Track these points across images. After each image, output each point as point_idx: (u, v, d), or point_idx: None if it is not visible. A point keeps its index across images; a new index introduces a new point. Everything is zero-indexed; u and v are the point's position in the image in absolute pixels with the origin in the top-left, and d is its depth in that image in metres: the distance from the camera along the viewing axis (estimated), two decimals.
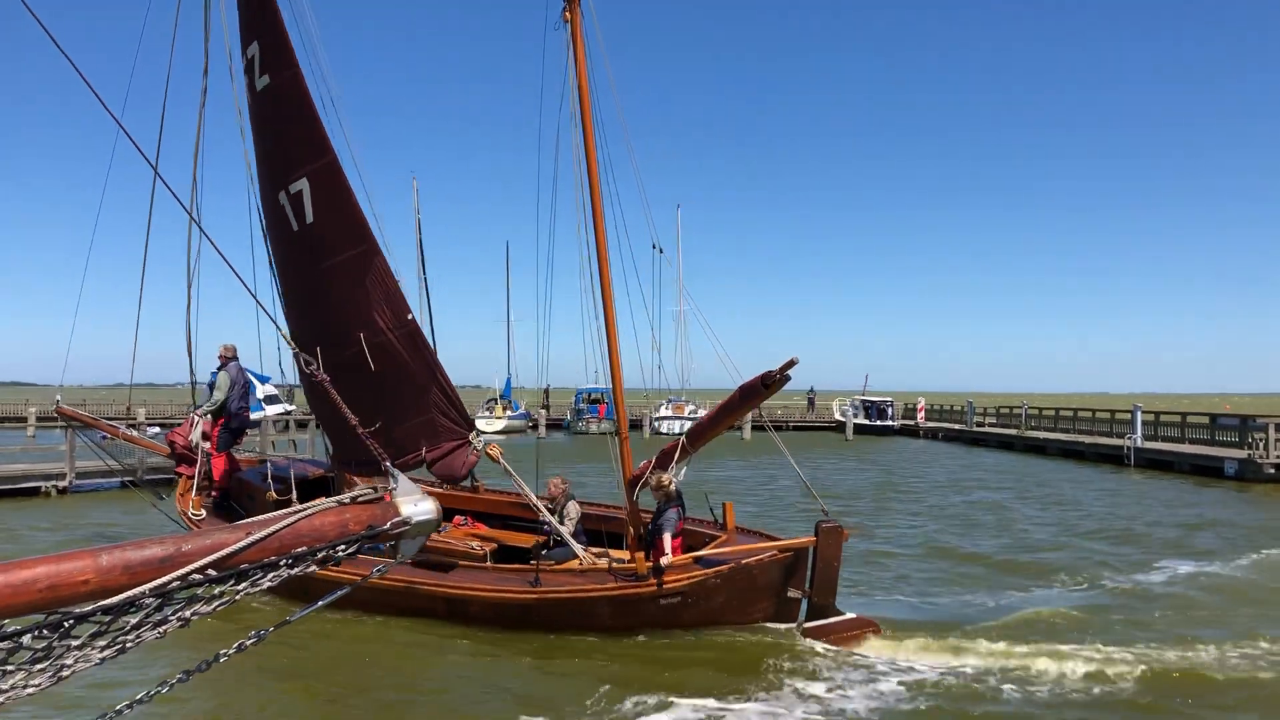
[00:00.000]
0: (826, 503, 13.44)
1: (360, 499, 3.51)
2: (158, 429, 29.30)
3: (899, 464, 42.56)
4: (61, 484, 26.42)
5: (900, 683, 10.57)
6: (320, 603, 3.72)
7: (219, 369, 16.88)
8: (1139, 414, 41.29)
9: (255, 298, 5.72)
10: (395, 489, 3.58)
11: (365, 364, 13.76)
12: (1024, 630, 12.77)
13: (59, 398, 20.38)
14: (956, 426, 60.68)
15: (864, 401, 67.41)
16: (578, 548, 13.19)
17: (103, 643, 2.94)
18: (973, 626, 12.92)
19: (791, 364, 11.18)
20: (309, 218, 13.81)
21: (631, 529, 13.61)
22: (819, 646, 11.80)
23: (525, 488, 14.30)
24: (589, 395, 65.21)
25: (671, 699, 10.04)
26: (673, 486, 13.02)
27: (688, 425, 60.85)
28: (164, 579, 2.99)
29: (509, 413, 65.17)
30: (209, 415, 16.76)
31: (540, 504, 14.04)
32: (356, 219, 13.67)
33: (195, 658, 3.40)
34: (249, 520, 3.29)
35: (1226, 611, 14.07)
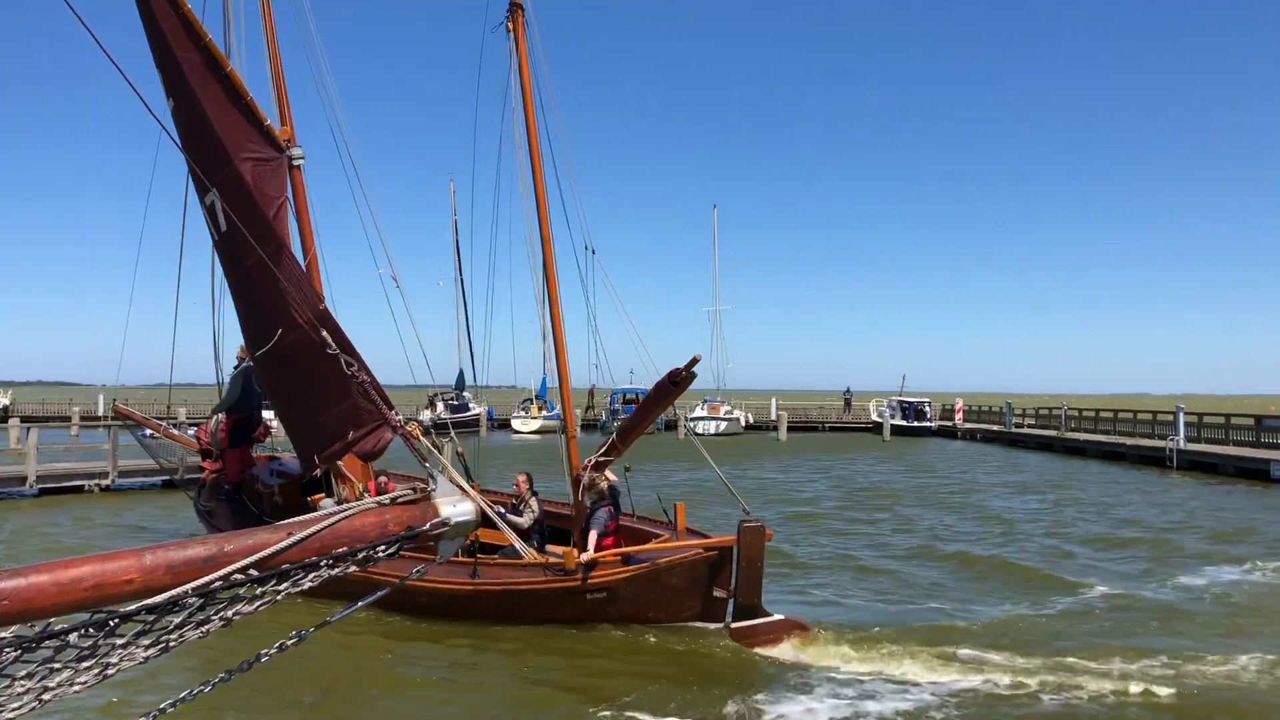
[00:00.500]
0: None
1: (400, 500, 3.51)
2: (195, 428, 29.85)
3: (938, 465, 42.20)
4: (104, 482, 26.83)
5: (829, 690, 10.47)
6: (360, 603, 3.73)
7: (235, 370, 17.59)
8: (1181, 415, 40.65)
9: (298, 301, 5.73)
10: (435, 490, 3.58)
11: (290, 357, 14.30)
12: (1000, 638, 12.62)
13: (114, 399, 21.15)
14: (995, 427, 60.13)
15: (901, 402, 66.91)
16: (516, 541, 13.06)
17: (147, 641, 2.96)
18: (948, 632, 12.84)
19: (695, 361, 11.38)
20: (222, 225, 14.63)
21: (576, 528, 13.89)
22: (734, 646, 11.95)
23: (454, 473, 14.28)
24: (625, 396, 65.22)
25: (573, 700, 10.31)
26: (605, 485, 13.30)
27: (723, 425, 61.14)
28: (206, 579, 3.00)
29: (544, 413, 65.29)
30: (222, 413, 17.79)
31: (489, 503, 14.07)
32: (263, 221, 14.07)
33: (235, 658, 3.43)
34: (290, 520, 3.31)
35: (1270, 622, 13.71)
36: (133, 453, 27.46)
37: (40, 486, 25.90)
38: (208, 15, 15.41)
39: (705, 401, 65.73)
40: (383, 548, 3.35)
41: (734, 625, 12.24)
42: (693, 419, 62.39)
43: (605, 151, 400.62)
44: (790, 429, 62.04)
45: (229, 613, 3.08)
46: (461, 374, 66.34)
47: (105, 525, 21.74)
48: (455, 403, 63.90)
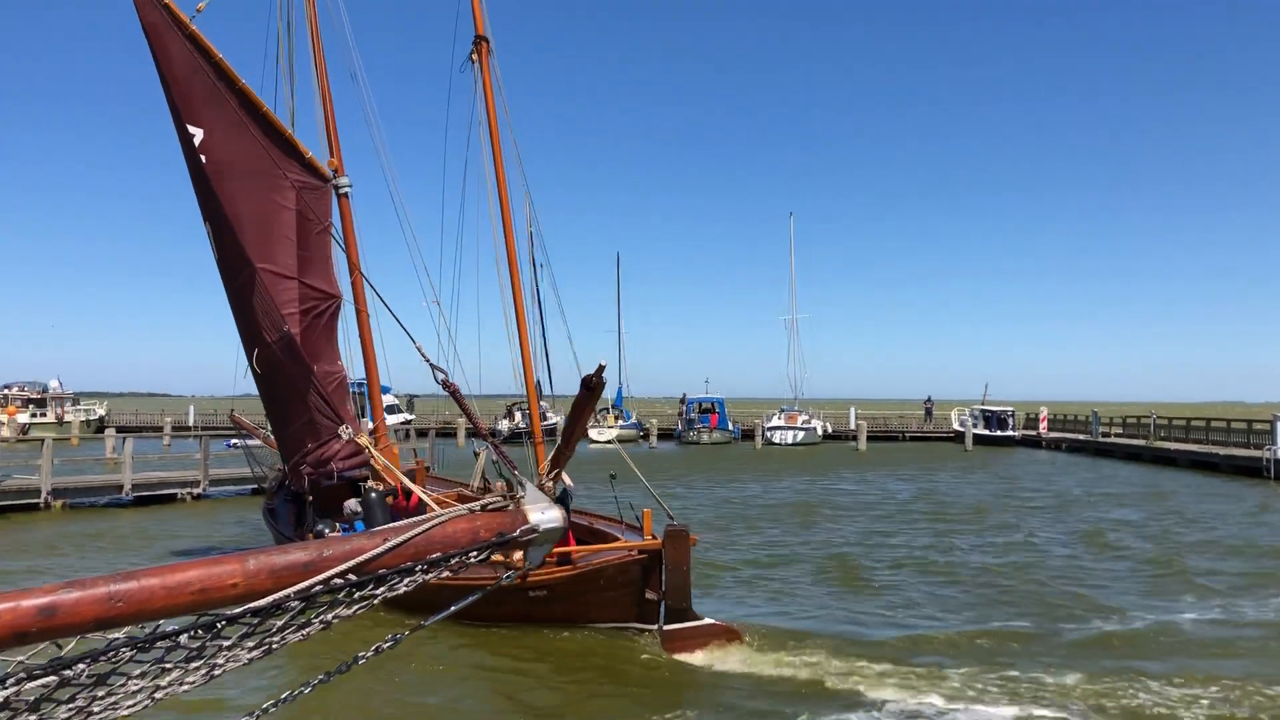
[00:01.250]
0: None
1: (490, 506, 3.58)
2: None
3: (1021, 474, 41.33)
4: (196, 490, 27.60)
5: (742, 696, 10.68)
6: (454, 607, 3.80)
7: None
8: (1279, 424, 39.25)
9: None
10: (524, 497, 3.64)
11: (270, 371, 15.86)
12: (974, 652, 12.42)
13: (226, 409, 22.20)
14: (1080, 437, 58.74)
15: (984, 411, 65.69)
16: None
17: (251, 643, 3.06)
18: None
19: (601, 369, 11.41)
20: (214, 252, 16.38)
21: None
22: (656, 649, 12.26)
23: (403, 478, 14.99)
24: (700, 405, 65.20)
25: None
26: (555, 488, 13.66)
27: (800, 435, 60.70)
28: (307, 583, 3.09)
29: (620, 422, 65.51)
30: None
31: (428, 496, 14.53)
32: (238, 247, 15.43)
33: (330, 661, 3.52)
34: (386, 526, 3.39)
35: None
36: (221, 462, 28.28)
37: (136, 495, 26.78)
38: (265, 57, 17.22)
39: (782, 411, 65.31)
40: (474, 554, 3.42)
41: (665, 628, 12.40)
42: (770, 428, 62.08)
43: (675, 154, 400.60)
44: (870, 438, 61.31)
45: (329, 615, 3.17)
46: (539, 384, 66.78)
47: (198, 531, 22.41)
48: None
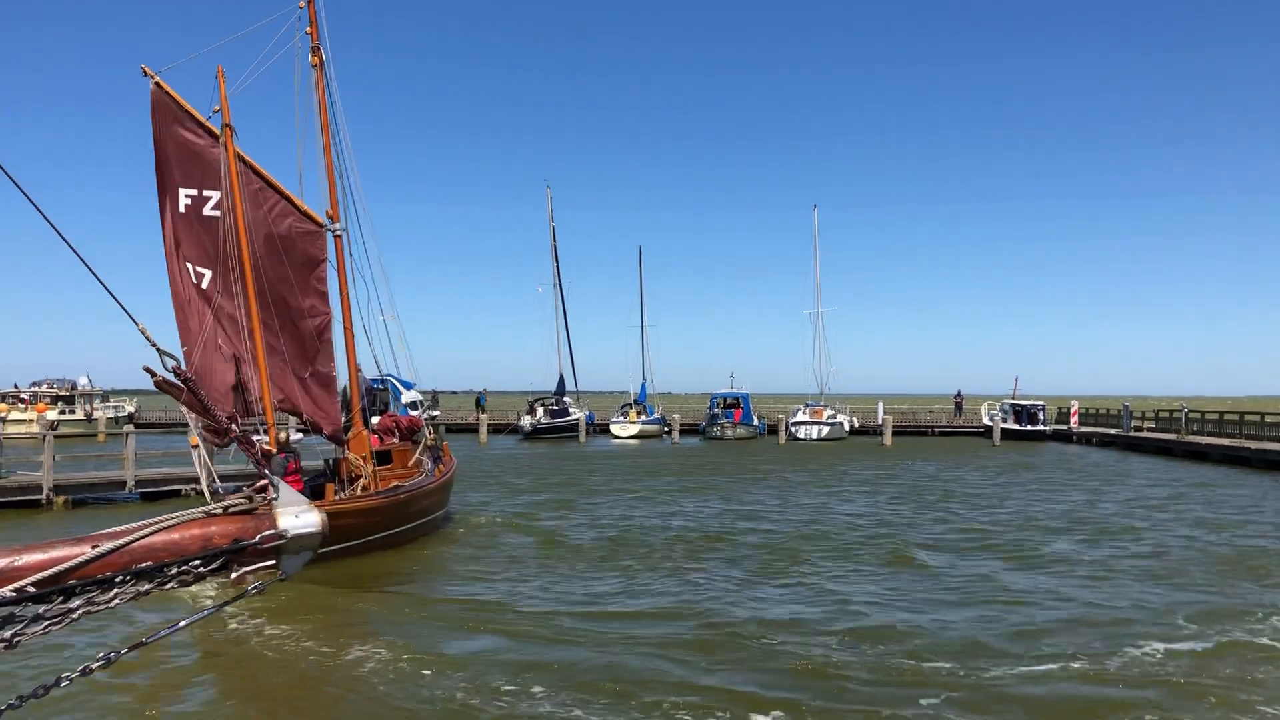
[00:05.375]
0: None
1: (233, 509, 3.23)
2: None
3: (1040, 465, 40.43)
4: (200, 485, 27.49)
5: None
6: (182, 623, 3.45)
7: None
8: None
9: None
10: (277, 499, 3.28)
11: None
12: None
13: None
14: (1111, 431, 57.60)
15: (1014, 405, 64.60)
16: None
17: None
18: None
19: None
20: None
21: None
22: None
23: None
24: (724, 400, 64.63)
25: None
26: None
27: (825, 430, 60.00)
28: None
29: (643, 418, 65.10)
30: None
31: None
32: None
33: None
34: (101, 532, 3.04)
35: None
36: (226, 457, 28.12)
37: (140, 490, 26.79)
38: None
39: (807, 406, 64.61)
40: (199, 563, 3.06)
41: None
42: (794, 423, 61.42)
43: (706, 145, 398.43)
44: (897, 433, 60.46)
45: (6, 633, 2.82)
46: (562, 379, 66.65)
47: None
48: (555, 408, 64.16)
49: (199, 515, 3.17)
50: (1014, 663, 11.54)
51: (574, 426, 61.90)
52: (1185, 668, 11.34)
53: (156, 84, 18.74)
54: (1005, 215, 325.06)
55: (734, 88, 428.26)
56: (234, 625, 13.23)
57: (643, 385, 71.53)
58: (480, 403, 67.95)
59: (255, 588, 3.44)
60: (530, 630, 13.10)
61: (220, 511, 3.21)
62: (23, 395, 62.34)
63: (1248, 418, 46.95)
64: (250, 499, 3.30)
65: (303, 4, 20.39)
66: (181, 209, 18.90)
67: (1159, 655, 11.86)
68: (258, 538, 3.15)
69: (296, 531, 3.23)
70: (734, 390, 65.69)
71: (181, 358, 18.63)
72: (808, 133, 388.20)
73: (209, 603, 14.53)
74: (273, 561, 3.22)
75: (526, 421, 62.79)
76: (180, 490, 27.40)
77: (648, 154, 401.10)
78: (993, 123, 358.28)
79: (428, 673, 11.15)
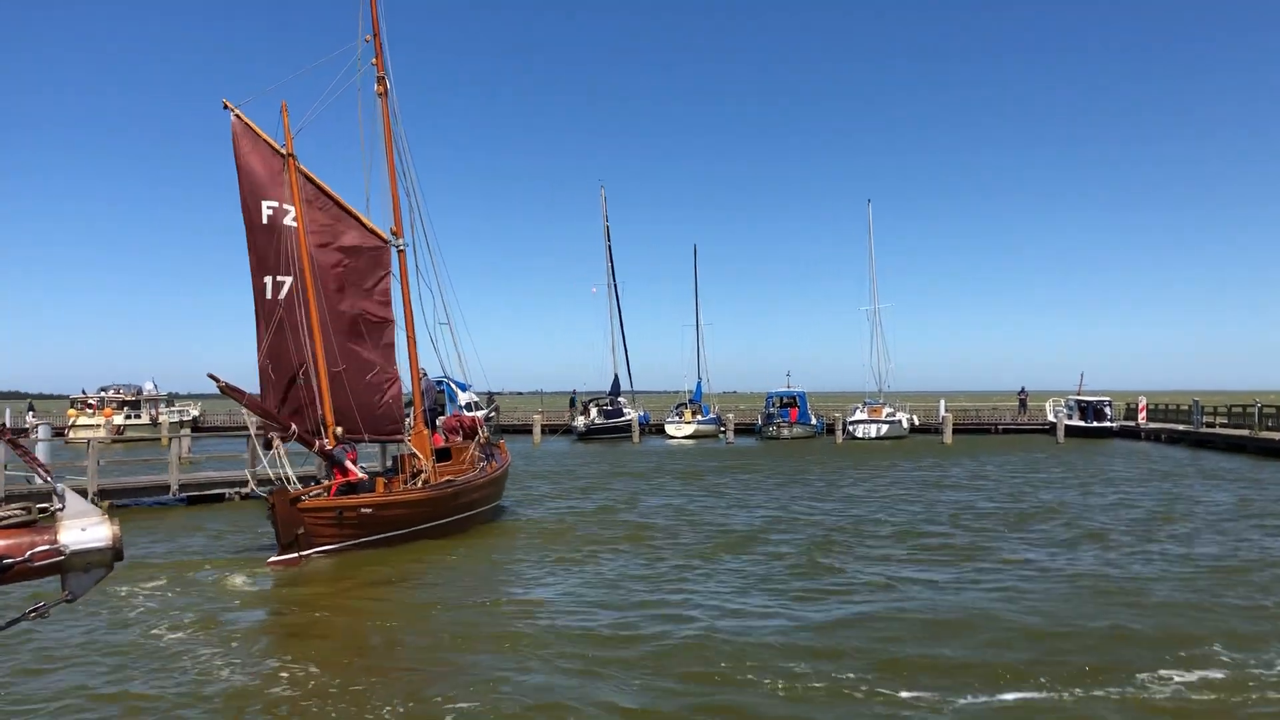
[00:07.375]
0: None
1: (5, 522, 2.86)
2: None
3: (1105, 470, 39.11)
4: (244, 490, 27.57)
5: None
6: None
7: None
8: None
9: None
10: (62, 510, 2.92)
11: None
12: None
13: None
14: (1181, 427, 55.72)
15: (1079, 401, 62.86)
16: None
17: None
18: None
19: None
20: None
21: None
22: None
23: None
24: (780, 399, 63.80)
25: None
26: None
27: (884, 428, 58.90)
28: None
29: (698, 417, 64.56)
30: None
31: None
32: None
33: None
34: None
35: None
36: (269, 461, 28.21)
37: (185, 495, 27.02)
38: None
39: (865, 404, 63.46)
40: None
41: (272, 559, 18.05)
42: (852, 422, 60.35)
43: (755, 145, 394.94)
44: (958, 431, 59.17)
45: None
46: (616, 379, 66.41)
47: (236, 525, 22.65)
48: (610, 408, 63.88)
49: None
50: None
51: (628, 427, 61.60)
52: None
53: (236, 116, 20.82)
54: (1049, 211, 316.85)
55: (786, 80, 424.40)
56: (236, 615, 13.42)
57: (698, 384, 71.03)
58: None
59: (34, 609, 3.07)
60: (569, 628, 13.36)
61: None
62: (90, 400, 63.82)
63: None
64: (29, 509, 2.92)
65: (369, 39, 22.36)
66: (264, 220, 20.88)
67: None
68: (27, 554, 2.80)
69: (79, 547, 2.87)
70: (790, 389, 64.82)
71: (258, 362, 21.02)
72: (862, 126, 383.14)
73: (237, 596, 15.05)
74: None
75: (580, 422, 62.62)
76: (225, 494, 27.62)
77: (698, 151, 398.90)
78: (1060, 115, 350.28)
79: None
